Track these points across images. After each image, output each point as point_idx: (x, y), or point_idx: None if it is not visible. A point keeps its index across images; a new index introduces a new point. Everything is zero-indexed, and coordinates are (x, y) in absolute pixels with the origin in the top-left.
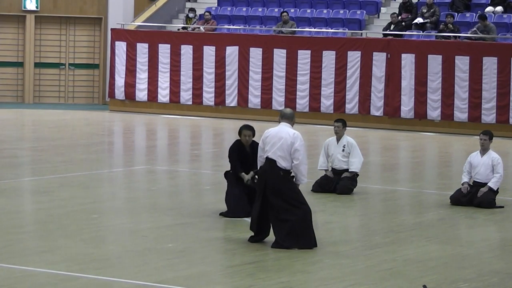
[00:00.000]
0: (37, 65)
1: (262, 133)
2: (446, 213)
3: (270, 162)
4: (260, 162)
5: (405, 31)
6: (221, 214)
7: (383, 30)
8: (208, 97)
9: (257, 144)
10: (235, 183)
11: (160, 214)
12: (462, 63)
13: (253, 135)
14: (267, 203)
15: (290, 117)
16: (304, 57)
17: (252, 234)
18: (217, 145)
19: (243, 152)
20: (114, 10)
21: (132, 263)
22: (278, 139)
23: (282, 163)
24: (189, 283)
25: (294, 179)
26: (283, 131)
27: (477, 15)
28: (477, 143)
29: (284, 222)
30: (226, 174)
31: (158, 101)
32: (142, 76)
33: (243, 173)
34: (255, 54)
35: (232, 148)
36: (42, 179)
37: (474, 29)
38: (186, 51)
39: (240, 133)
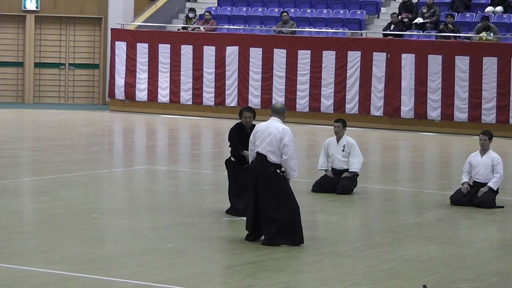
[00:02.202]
0: (37, 65)
1: None
2: (446, 213)
3: (260, 157)
4: (251, 156)
5: (405, 31)
6: (227, 212)
7: (383, 30)
8: (208, 97)
9: None
10: (237, 175)
11: (160, 214)
12: (462, 63)
13: (254, 117)
14: (259, 201)
15: (281, 112)
16: (304, 57)
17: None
18: (217, 145)
19: (244, 134)
20: (114, 10)
21: (132, 263)
22: (267, 134)
23: (272, 158)
24: (189, 283)
25: (284, 174)
26: (273, 126)
27: (481, 16)
28: (477, 143)
29: (272, 220)
30: (227, 163)
31: (158, 101)
32: (142, 76)
33: (244, 151)
34: (255, 54)
35: (233, 129)
36: (42, 179)
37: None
38: (186, 51)
39: (240, 114)
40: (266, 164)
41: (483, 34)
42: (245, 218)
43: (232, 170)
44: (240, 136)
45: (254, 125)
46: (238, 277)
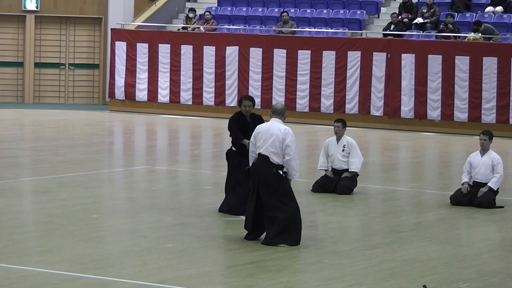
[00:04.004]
0: (37, 65)
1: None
2: (446, 213)
3: (263, 158)
4: (251, 157)
5: (405, 31)
6: (220, 210)
7: (383, 30)
8: (208, 97)
9: (258, 115)
10: (235, 167)
11: (160, 214)
12: (462, 63)
13: (253, 106)
14: (261, 201)
15: (281, 113)
16: (304, 57)
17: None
18: (217, 145)
19: (243, 122)
20: (114, 10)
21: (132, 263)
22: (269, 135)
23: (275, 159)
24: (189, 283)
25: (286, 175)
26: (275, 127)
27: (473, 23)
28: (477, 143)
29: (273, 220)
30: (228, 153)
31: (158, 101)
32: (142, 76)
33: (244, 139)
34: (255, 54)
35: (233, 118)
36: (42, 179)
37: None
38: (186, 51)
39: (240, 103)
40: (268, 166)
41: (471, 35)
42: (242, 217)
43: (232, 161)
44: (239, 125)
45: (253, 114)
46: (238, 277)
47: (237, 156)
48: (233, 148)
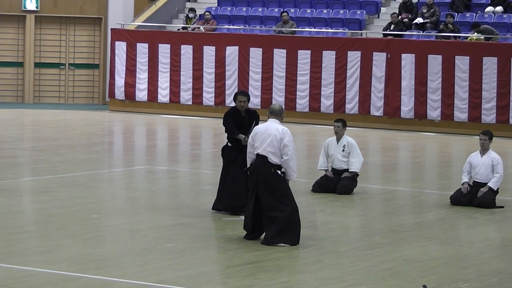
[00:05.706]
0: (37, 65)
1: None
2: (446, 213)
3: (261, 158)
4: (249, 158)
5: (405, 31)
6: (216, 209)
7: (383, 30)
8: (208, 97)
9: (253, 110)
10: (230, 163)
11: (160, 214)
12: (462, 63)
13: (248, 101)
14: (260, 201)
15: (279, 113)
16: (304, 57)
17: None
18: (217, 145)
19: (238, 117)
20: (114, 10)
21: (132, 263)
22: (267, 136)
23: (273, 159)
24: (189, 283)
25: (284, 175)
26: (272, 127)
27: (471, 25)
28: (477, 143)
29: (272, 219)
30: (223, 150)
31: (158, 101)
32: (142, 76)
33: (240, 134)
34: (255, 54)
35: (228, 113)
36: (42, 179)
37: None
38: (186, 51)
39: (235, 99)
40: (267, 166)
41: (475, 35)
42: (242, 217)
43: (228, 157)
44: (234, 120)
45: (248, 109)
46: (238, 277)
47: (232, 151)
48: (229, 144)
